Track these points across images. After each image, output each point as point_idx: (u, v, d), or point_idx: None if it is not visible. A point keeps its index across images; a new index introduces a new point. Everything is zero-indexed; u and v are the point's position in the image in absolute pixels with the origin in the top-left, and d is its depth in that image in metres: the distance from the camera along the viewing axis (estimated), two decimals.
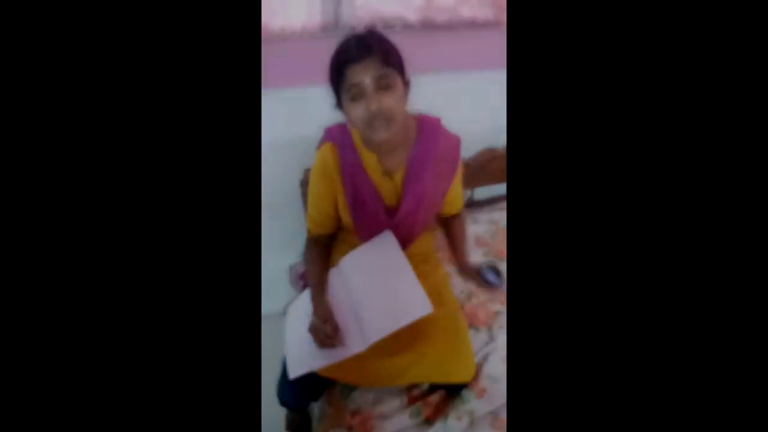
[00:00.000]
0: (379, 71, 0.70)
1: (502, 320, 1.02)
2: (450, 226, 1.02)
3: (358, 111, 0.73)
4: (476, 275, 0.93)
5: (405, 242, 0.92)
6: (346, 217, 0.90)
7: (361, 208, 0.87)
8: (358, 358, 0.80)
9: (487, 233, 1.29)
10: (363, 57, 0.70)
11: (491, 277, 0.92)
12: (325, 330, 0.80)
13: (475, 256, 1.06)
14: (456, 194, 0.96)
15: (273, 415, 0.99)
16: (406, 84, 0.77)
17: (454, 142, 0.89)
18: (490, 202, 1.47)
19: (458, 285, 1.06)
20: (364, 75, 0.70)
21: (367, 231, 0.91)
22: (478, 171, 1.28)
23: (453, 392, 0.88)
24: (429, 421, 0.84)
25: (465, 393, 0.87)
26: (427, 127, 0.86)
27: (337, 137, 0.85)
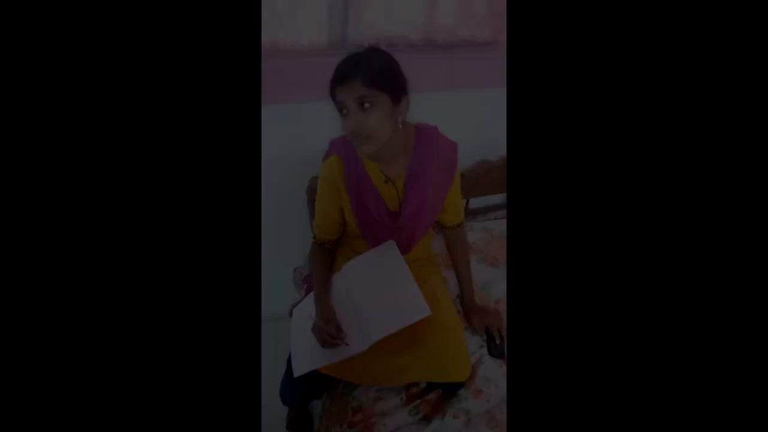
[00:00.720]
0: (360, 92, 0.73)
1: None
2: (451, 243, 1.06)
3: (344, 126, 0.78)
4: (480, 328, 1.01)
5: (407, 246, 0.96)
6: (352, 223, 0.93)
7: (366, 213, 0.90)
8: (359, 358, 0.82)
9: (481, 241, 1.33)
10: (347, 79, 0.73)
11: (494, 350, 0.98)
12: (328, 330, 0.83)
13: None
14: (455, 201, 0.99)
15: (274, 416, 1.00)
16: (398, 101, 0.78)
17: (451, 147, 0.92)
18: (484, 211, 1.52)
19: (455, 289, 1.10)
20: (346, 96, 0.74)
21: (372, 234, 0.94)
22: (473, 182, 1.32)
23: (449, 391, 0.90)
24: (427, 419, 0.87)
25: (461, 393, 0.89)
26: (425, 135, 0.89)
27: (341, 149, 0.89)
